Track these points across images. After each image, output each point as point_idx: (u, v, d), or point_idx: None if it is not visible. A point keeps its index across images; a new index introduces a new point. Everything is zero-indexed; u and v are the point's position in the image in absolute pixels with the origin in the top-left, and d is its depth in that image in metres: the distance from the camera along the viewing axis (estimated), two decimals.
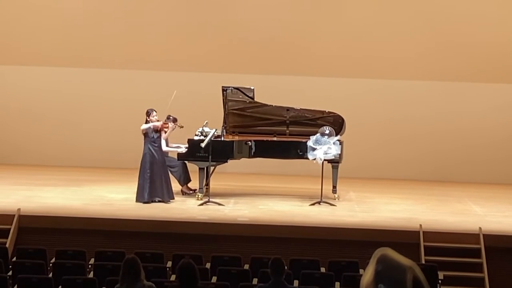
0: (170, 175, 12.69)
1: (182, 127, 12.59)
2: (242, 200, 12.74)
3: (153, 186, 12.11)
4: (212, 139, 12.12)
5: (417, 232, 10.85)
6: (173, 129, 12.62)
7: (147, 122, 12.28)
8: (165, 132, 12.45)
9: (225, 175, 13.90)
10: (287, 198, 13.07)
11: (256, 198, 13.02)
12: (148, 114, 12.29)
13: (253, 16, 15.68)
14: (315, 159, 12.20)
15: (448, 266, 10.40)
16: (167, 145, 12.73)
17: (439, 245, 10.81)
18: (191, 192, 12.91)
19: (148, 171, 12.10)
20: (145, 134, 12.21)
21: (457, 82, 15.54)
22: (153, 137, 12.21)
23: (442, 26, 15.51)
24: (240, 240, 10.77)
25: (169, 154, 12.96)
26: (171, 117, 12.63)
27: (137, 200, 12.17)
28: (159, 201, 12.13)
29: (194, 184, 12.89)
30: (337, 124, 12.84)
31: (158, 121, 12.27)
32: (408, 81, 15.63)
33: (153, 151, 12.16)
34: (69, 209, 11.67)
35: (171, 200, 12.24)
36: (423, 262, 10.31)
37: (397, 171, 15.48)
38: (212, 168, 12.59)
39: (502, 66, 15.42)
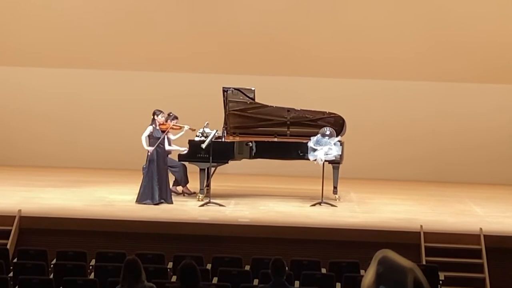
0: (171, 175, 12.71)
1: (194, 130, 12.60)
2: (243, 201, 12.75)
3: (162, 188, 12.12)
4: (213, 140, 12.13)
5: (418, 233, 10.85)
6: (185, 130, 12.64)
7: (153, 121, 12.24)
8: (173, 134, 12.47)
9: (226, 176, 13.91)
10: (288, 199, 13.07)
11: (257, 199, 13.03)
12: (156, 115, 12.26)
13: (254, 17, 15.69)
14: (315, 160, 12.21)
15: (448, 266, 10.39)
16: (169, 145, 12.74)
17: (440, 245, 10.81)
18: (192, 192, 12.91)
19: (156, 173, 12.08)
20: (150, 135, 12.19)
21: (458, 82, 15.55)
22: (159, 138, 12.19)
23: (442, 26, 15.51)
24: (241, 241, 10.77)
25: (170, 155, 12.94)
26: (172, 114, 12.59)
27: (142, 201, 12.11)
28: (164, 203, 12.12)
29: (195, 184, 12.89)
30: (337, 125, 12.84)
31: (163, 124, 12.25)
32: (409, 82, 15.64)
33: (160, 153, 12.15)
34: (70, 210, 11.67)
35: (172, 203, 12.23)
36: (424, 262, 10.31)
37: (398, 172, 15.49)
38: (213, 169, 12.59)
39: (502, 67, 15.43)
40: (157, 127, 12.23)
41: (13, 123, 15.99)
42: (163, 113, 12.34)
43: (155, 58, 15.77)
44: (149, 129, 12.20)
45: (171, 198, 12.28)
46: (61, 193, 12.98)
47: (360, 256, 9.83)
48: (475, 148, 15.59)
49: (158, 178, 12.09)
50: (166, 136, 12.28)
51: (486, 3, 15.49)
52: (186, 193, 12.97)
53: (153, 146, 12.11)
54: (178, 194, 12.91)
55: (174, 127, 12.48)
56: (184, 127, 12.62)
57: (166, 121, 12.45)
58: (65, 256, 9.64)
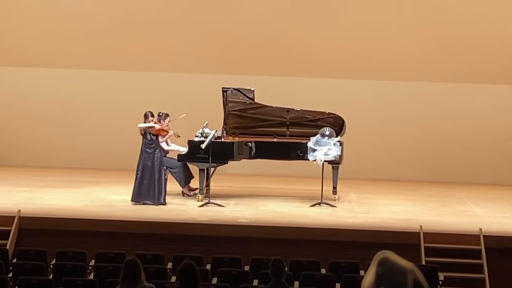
0: (170, 176, 12.70)
1: (179, 136, 12.55)
2: (243, 201, 12.75)
3: (140, 188, 12.10)
4: (213, 140, 12.12)
5: (418, 233, 10.84)
6: (170, 136, 12.62)
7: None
8: (163, 136, 12.45)
9: (226, 176, 13.91)
10: (287, 199, 13.07)
11: (256, 199, 13.02)
12: (145, 116, 12.24)
13: (254, 18, 15.68)
14: (315, 160, 12.20)
15: (448, 267, 10.39)
16: (168, 144, 12.74)
17: (440, 246, 10.81)
18: (191, 193, 12.91)
19: (139, 172, 12.11)
20: (143, 135, 12.19)
21: (457, 83, 15.55)
22: (150, 139, 12.19)
23: (442, 27, 15.51)
24: (241, 241, 10.77)
25: (169, 155, 12.92)
26: (162, 114, 12.50)
27: (131, 199, 12.22)
28: (149, 204, 12.07)
29: (194, 185, 12.90)
30: (337, 125, 12.84)
31: (153, 127, 12.22)
32: (408, 82, 15.63)
33: (147, 153, 12.14)
34: (69, 210, 11.67)
35: (160, 204, 12.08)
36: (424, 263, 10.31)
37: (398, 172, 15.48)
38: (212, 169, 12.58)
39: (502, 67, 15.43)
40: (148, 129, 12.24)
41: (13, 124, 15.98)
42: (153, 115, 12.27)
43: (154, 58, 15.76)
44: (141, 124, 12.21)
45: (162, 200, 12.17)
46: (61, 194, 12.98)
47: (359, 256, 9.84)
48: (475, 148, 15.58)
49: (140, 176, 12.09)
50: (158, 138, 12.28)
51: (486, 3, 15.49)
52: (186, 194, 12.95)
53: (145, 146, 12.12)
54: (189, 195, 12.89)
55: (162, 132, 12.40)
56: (169, 131, 12.56)
57: (159, 121, 12.38)
58: (64, 256, 9.64)
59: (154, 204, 12.06)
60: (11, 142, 15.92)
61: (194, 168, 12.66)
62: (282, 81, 15.51)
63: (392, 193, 14.03)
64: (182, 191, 12.99)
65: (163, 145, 12.48)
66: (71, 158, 15.79)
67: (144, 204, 12.06)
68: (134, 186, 12.16)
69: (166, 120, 12.44)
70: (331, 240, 10.82)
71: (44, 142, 15.91)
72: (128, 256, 7.37)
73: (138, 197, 12.13)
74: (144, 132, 12.19)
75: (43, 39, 15.82)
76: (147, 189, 12.11)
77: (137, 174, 12.13)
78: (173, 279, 9.09)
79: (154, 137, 12.21)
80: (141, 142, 12.25)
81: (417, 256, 10.49)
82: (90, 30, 15.78)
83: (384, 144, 15.66)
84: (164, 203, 12.15)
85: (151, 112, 12.30)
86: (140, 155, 12.19)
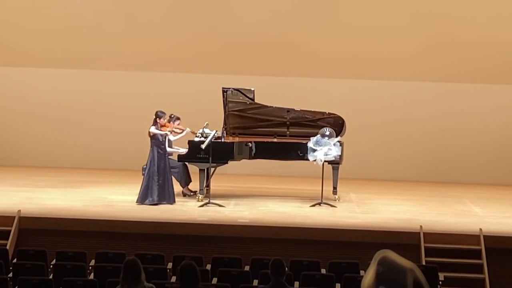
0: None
1: (195, 133, 12.58)
2: (243, 202, 12.75)
3: (162, 189, 12.10)
4: (213, 140, 12.12)
5: (418, 233, 10.84)
6: (184, 134, 12.66)
7: (155, 122, 12.24)
8: (173, 135, 12.49)
9: (226, 176, 13.91)
10: (287, 199, 13.07)
11: (256, 199, 13.02)
12: (158, 117, 12.22)
13: (254, 17, 15.69)
14: (315, 160, 12.20)
15: (448, 267, 10.39)
16: (169, 146, 12.75)
17: (440, 246, 10.81)
18: (192, 193, 12.92)
19: (157, 173, 12.07)
20: (153, 136, 12.18)
21: (457, 83, 15.56)
22: (162, 140, 12.19)
23: (442, 26, 15.52)
24: (241, 241, 10.77)
25: (171, 156, 12.93)
26: (174, 116, 12.60)
27: (142, 201, 12.10)
28: (164, 204, 12.11)
29: (194, 185, 12.90)
30: (337, 125, 12.84)
31: (165, 126, 12.26)
32: (408, 82, 15.64)
33: (160, 154, 12.14)
34: (69, 210, 11.67)
35: (174, 203, 12.20)
36: (424, 263, 10.31)
37: (398, 172, 15.49)
38: (212, 169, 12.59)
39: (502, 67, 15.43)
40: (159, 129, 12.24)
41: (13, 124, 15.99)
42: (165, 115, 12.33)
43: (155, 58, 15.77)
44: (153, 128, 12.20)
45: (174, 199, 12.24)
46: (61, 194, 12.98)
47: (359, 256, 9.84)
48: (475, 148, 15.59)
49: (158, 178, 12.09)
50: (167, 138, 12.31)
51: (486, 3, 15.49)
52: (187, 194, 12.95)
53: (157, 148, 12.12)
54: (189, 195, 12.91)
55: (176, 130, 12.48)
56: (185, 130, 12.66)
57: (169, 122, 12.47)
58: (64, 256, 9.65)
59: (169, 203, 12.08)
60: (11, 142, 15.92)
61: (194, 168, 12.65)
62: (283, 81, 15.52)
63: (392, 193, 14.03)
64: (182, 191, 12.99)
65: (166, 147, 12.47)
66: (71, 158, 15.80)
67: (158, 204, 12.07)
68: (152, 188, 12.08)
69: (176, 123, 12.50)
70: (331, 240, 10.82)
71: (44, 142, 15.91)
72: (128, 256, 7.37)
73: (160, 199, 12.11)
74: (154, 134, 12.16)
75: (44, 39, 15.83)
76: (162, 189, 12.13)
77: (153, 176, 12.06)
78: (173, 279, 9.10)
79: (164, 138, 12.23)
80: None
81: (417, 256, 10.48)
82: (90, 30, 15.79)
83: (384, 144, 15.66)
84: (175, 201, 12.24)
85: (162, 112, 12.28)
86: (153, 157, 12.12)
